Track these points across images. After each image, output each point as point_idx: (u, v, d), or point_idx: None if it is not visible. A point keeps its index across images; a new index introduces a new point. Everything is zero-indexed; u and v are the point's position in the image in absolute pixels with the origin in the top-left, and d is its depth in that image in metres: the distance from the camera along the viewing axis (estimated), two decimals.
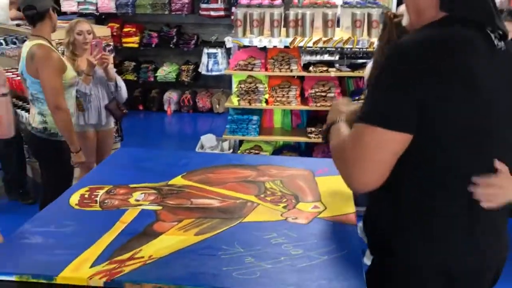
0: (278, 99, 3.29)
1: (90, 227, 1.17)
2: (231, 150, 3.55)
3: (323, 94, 3.30)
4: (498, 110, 0.97)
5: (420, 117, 0.93)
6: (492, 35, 0.95)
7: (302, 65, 3.29)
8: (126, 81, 5.76)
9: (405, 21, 1.20)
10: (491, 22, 0.96)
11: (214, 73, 5.36)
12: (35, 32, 2.45)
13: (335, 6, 3.48)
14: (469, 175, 0.96)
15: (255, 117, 3.32)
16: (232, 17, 4.21)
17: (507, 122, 0.99)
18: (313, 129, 3.28)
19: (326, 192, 1.40)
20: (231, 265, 1.02)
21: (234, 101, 3.28)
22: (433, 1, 0.95)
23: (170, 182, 1.45)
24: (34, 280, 0.97)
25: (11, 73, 3.45)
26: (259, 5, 3.42)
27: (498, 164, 0.97)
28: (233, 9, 4.15)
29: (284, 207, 1.29)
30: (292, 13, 3.17)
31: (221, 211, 1.27)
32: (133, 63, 5.70)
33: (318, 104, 3.27)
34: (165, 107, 5.83)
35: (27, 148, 3.30)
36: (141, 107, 5.93)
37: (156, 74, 5.59)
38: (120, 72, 5.52)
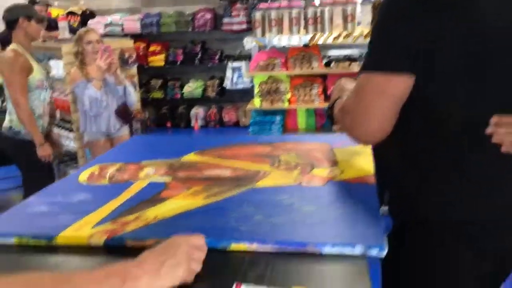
0: (301, 98, 3.25)
1: (97, 197, 1.13)
2: None
3: None
4: (502, 43, 0.90)
5: (417, 55, 0.91)
6: None
7: (323, 62, 3.25)
8: (153, 100, 5.86)
9: None
10: None
11: (239, 87, 5.37)
12: (13, 39, 2.77)
13: (354, 2, 3.45)
14: (480, 119, 0.89)
15: (278, 118, 3.28)
16: None
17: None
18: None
19: (344, 159, 1.32)
20: (239, 221, 0.95)
21: (256, 102, 3.25)
22: None
23: (182, 159, 1.40)
24: (34, 243, 0.93)
25: None
26: (278, 8, 3.41)
27: None
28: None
29: (299, 173, 1.23)
30: (310, 10, 3.16)
31: (232, 179, 1.21)
32: (160, 81, 5.79)
33: None
34: (192, 123, 5.86)
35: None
36: (169, 124, 5.99)
37: (183, 91, 5.66)
38: (147, 91, 5.61)
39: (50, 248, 0.92)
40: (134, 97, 3.09)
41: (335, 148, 1.43)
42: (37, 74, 2.79)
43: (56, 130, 3.85)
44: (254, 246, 0.87)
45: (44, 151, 2.76)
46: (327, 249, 0.84)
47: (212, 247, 0.85)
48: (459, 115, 0.93)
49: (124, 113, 3.08)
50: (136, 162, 1.38)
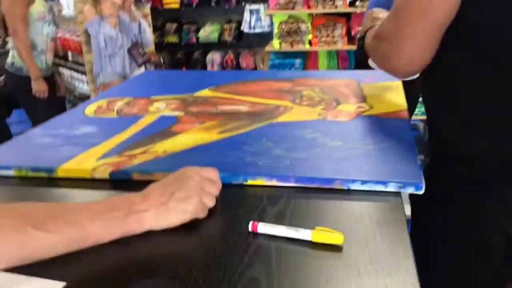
0: (323, 39, 3.08)
1: (103, 129, 1.04)
2: None
3: None
4: None
5: None
6: None
7: (348, 0, 3.05)
8: (168, 44, 5.67)
9: None
10: None
11: (257, 31, 5.15)
12: None
13: None
14: None
15: (298, 61, 3.13)
16: None
17: None
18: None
19: (374, 94, 1.20)
20: (257, 156, 0.86)
21: (275, 44, 3.10)
22: None
23: (196, 94, 1.30)
24: (34, 175, 0.86)
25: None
26: None
27: None
28: None
29: (323, 108, 1.12)
30: None
31: (250, 114, 1.11)
32: (175, 25, 5.58)
33: None
34: (208, 68, 5.70)
35: None
36: (184, 69, 5.85)
37: (198, 35, 5.45)
38: (162, 35, 5.43)
39: (52, 180, 0.85)
40: (149, 35, 2.96)
41: (363, 84, 1.31)
42: (38, 6, 2.75)
43: (68, 73, 3.78)
44: (273, 182, 0.77)
45: (38, 86, 2.77)
46: (356, 187, 0.75)
47: (226, 183, 0.76)
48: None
49: (136, 54, 2.97)
50: (146, 97, 1.28)
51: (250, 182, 0.78)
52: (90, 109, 1.20)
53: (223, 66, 5.52)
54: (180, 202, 0.66)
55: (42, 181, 0.85)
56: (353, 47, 3.06)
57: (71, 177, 0.84)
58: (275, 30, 3.03)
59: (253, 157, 0.85)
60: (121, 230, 0.63)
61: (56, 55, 3.00)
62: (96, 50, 3.01)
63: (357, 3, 2.99)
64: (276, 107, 1.15)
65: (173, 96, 1.28)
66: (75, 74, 3.71)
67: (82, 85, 3.69)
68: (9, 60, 2.86)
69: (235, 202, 0.74)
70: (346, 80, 1.36)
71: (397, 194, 0.73)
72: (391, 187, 0.74)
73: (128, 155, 0.89)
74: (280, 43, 3.02)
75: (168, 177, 0.70)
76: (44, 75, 2.92)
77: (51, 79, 3.05)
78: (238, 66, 5.46)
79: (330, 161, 0.82)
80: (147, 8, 3.67)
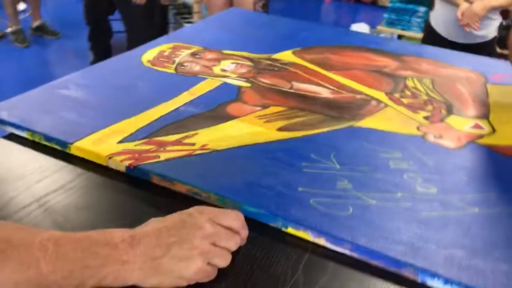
0: None
1: (149, 92, 0.87)
2: None
3: None
4: None
5: None
6: None
7: None
8: None
9: None
10: None
11: None
12: None
13: None
14: None
15: (422, 9, 2.68)
16: None
17: None
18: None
19: (501, 106, 0.90)
20: (313, 185, 0.64)
21: None
22: None
23: (274, 56, 1.07)
24: (47, 143, 0.72)
25: None
26: None
27: None
28: None
29: (426, 117, 0.84)
30: None
31: (329, 105, 0.87)
32: None
33: None
34: None
35: None
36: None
37: None
38: None
39: (67, 156, 0.70)
40: None
41: (490, 84, 0.99)
42: None
43: None
44: (321, 241, 0.56)
45: None
46: (435, 284, 0.51)
47: (259, 220, 0.57)
48: None
49: None
50: (218, 49, 1.08)
51: (290, 230, 0.58)
52: (149, 54, 1.03)
53: None
54: (177, 263, 0.48)
55: (57, 153, 0.71)
56: None
57: (86, 157, 0.69)
58: None
59: (309, 186, 0.64)
60: (94, 283, 0.47)
61: None
62: None
63: None
64: (365, 100, 0.89)
65: (248, 54, 1.06)
66: None
67: None
68: None
69: (265, 254, 0.55)
70: (470, 72, 1.05)
71: None
72: None
73: (158, 141, 0.72)
74: None
75: (172, 218, 0.51)
76: None
77: None
78: None
79: (408, 221, 0.58)
80: None
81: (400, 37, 2.80)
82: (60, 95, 0.83)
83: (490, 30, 2.21)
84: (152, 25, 2.95)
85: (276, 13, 4.23)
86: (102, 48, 3.53)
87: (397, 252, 0.53)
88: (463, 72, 1.05)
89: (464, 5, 2.16)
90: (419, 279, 0.52)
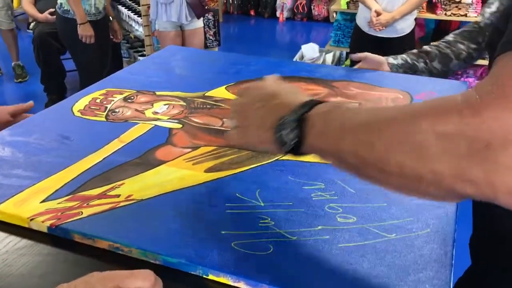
0: None
1: (78, 144, 0.87)
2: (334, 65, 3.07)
3: None
4: None
5: None
6: None
7: None
8: None
9: None
10: None
11: None
12: None
13: None
14: None
15: None
16: None
17: None
18: None
19: None
20: (236, 226, 0.65)
21: (343, 3, 2.75)
22: None
23: (208, 93, 1.08)
24: None
25: None
26: None
27: None
28: None
29: None
30: None
31: None
32: None
33: (448, 13, 2.63)
34: (277, 14, 5.38)
35: None
36: (252, 13, 5.57)
37: None
38: None
39: None
40: None
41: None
42: None
43: (125, 11, 3.64)
44: (240, 284, 0.57)
45: (84, 30, 2.66)
46: None
47: (182, 270, 0.58)
48: None
49: (195, 5, 2.73)
50: (151, 91, 1.09)
51: (211, 277, 0.58)
52: (81, 103, 1.03)
53: (293, 12, 5.16)
54: None
55: None
56: (433, 16, 2.66)
57: (10, 222, 0.69)
58: None
59: (232, 227, 0.65)
60: None
61: None
62: None
63: None
64: None
65: (181, 94, 1.07)
66: (132, 15, 3.55)
67: (138, 27, 3.54)
68: (58, 1, 2.77)
69: None
70: (396, 93, 1.09)
71: None
72: None
73: (82, 196, 0.71)
74: (347, 3, 2.67)
75: (76, 285, 0.50)
76: (93, 19, 2.79)
77: (102, 23, 2.91)
78: (309, 13, 5.07)
79: (327, 252, 0.60)
80: None
81: (348, 54, 2.88)
82: None
83: (406, 24, 2.60)
84: (104, 62, 2.96)
85: (230, 38, 4.28)
86: (56, 89, 3.50)
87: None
88: (390, 93, 1.09)
89: (373, 13, 2.55)
90: None
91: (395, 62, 1.21)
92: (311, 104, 0.54)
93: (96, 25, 2.78)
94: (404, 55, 1.22)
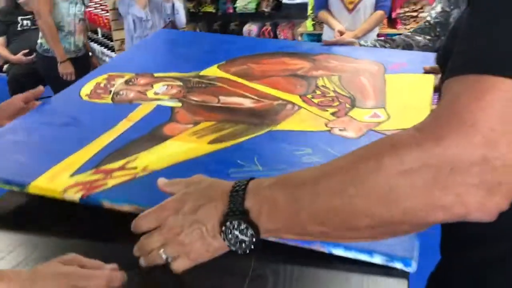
0: None
1: (92, 123, 0.97)
2: None
3: (414, 14, 2.80)
4: None
5: None
6: None
7: None
8: (205, 14, 5.28)
9: None
10: None
11: (296, 1, 4.63)
12: None
13: None
14: None
15: None
16: None
17: None
18: None
19: (396, 95, 1.06)
20: None
21: (308, 25, 2.88)
22: None
23: (201, 73, 1.19)
24: (7, 187, 0.81)
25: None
26: None
27: None
28: None
29: (333, 113, 0.99)
30: None
31: (252, 114, 1.00)
32: None
33: (408, 27, 2.78)
34: None
35: None
36: (204, 33, 5.45)
37: (236, 5, 5.01)
38: (198, 4, 5.11)
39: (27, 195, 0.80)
40: (183, 16, 2.82)
41: (388, 74, 1.15)
42: None
43: (98, 48, 3.67)
44: None
45: (64, 68, 2.75)
46: (339, 252, 0.66)
47: None
48: None
49: None
50: (149, 73, 1.19)
51: None
52: (87, 88, 1.13)
53: (260, 37, 5.09)
54: None
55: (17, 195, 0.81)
56: (393, 30, 2.81)
57: (44, 195, 0.80)
58: (310, 11, 2.80)
59: None
60: None
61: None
62: (127, 31, 2.91)
63: None
64: (282, 105, 1.03)
65: (177, 75, 1.17)
66: (105, 50, 3.61)
67: None
68: (38, 41, 2.85)
69: None
70: (372, 64, 1.21)
71: (404, 273, 0.64)
72: (377, 259, 0.64)
73: (105, 170, 0.83)
74: (313, 25, 2.78)
75: (38, 269, 0.55)
76: (74, 56, 2.85)
77: (83, 59, 2.97)
78: (275, 38, 5.02)
79: None
80: None
81: None
82: (10, 141, 0.92)
83: (368, 38, 2.65)
84: None
85: None
86: None
87: None
88: (368, 64, 1.21)
89: (336, 33, 2.66)
90: (326, 250, 0.66)
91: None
92: (240, 191, 0.55)
93: (76, 61, 2.86)
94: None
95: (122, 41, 3.18)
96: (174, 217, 0.59)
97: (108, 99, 1.08)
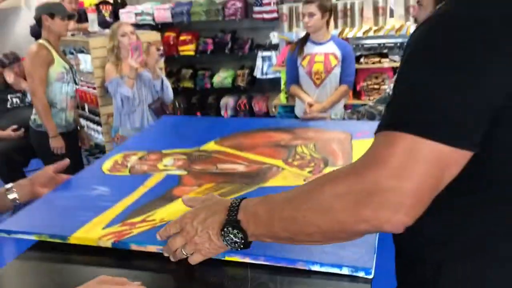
0: None
1: (115, 190, 1.20)
2: None
3: (376, 86, 3.17)
4: None
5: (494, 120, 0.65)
6: None
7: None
8: (184, 89, 5.66)
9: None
10: None
11: (269, 76, 5.11)
12: (42, 34, 2.80)
13: None
14: None
15: None
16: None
17: None
18: None
19: (360, 154, 1.30)
20: None
21: (282, 98, 3.23)
22: None
23: (202, 148, 1.44)
24: (51, 240, 1.02)
25: None
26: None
27: None
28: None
29: (310, 171, 1.23)
30: (340, 3, 3.00)
31: (244, 176, 1.24)
32: (190, 71, 5.60)
33: (371, 98, 3.12)
34: (222, 113, 5.58)
35: None
36: (198, 114, 5.70)
37: (213, 81, 5.44)
38: (178, 80, 5.48)
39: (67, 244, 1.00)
40: (171, 93, 3.06)
41: (354, 140, 1.41)
42: (58, 67, 2.89)
43: (84, 123, 3.88)
44: (246, 259, 0.90)
45: (56, 143, 2.87)
46: (316, 268, 0.86)
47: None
48: None
49: (157, 110, 3.05)
50: (158, 150, 1.43)
51: (227, 258, 0.91)
52: (107, 164, 1.36)
53: (236, 110, 5.43)
54: None
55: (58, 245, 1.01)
56: (359, 101, 3.16)
57: (81, 244, 1.00)
58: (283, 86, 3.17)
59: None
60: None
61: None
62: (116, 108, 3.12)
63: (362, 59, 3.06)
64: (269, 167, 1.27)
65: (181, 151, 1.42)
66: (91, 125, 3.86)
67: (97, 135, 3.84)
68: (32, 117, 3.01)
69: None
70: (341, 134, 1.47)
71: (367, 280, 0.83)
72: (345, 271, 0.84)
73: (130, 223, 1.04)
74: (287, 98, 3.14)
75: None
76: (65, 131, 3.02)
77: (73, 134, 3.13)
78: (251, 110, 5.38)
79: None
80: (161, 62, 3.77)
81: None
82: (53, 206, 1.14)
83: (337, 109, 2.93)
84: (77, 169, 3.09)
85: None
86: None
87: (292, 254, 0.88)
88: (337, 134, 1.47)
89: (306, 105, 2.87)
90: (306, 267, 0.86)
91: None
92: (236, 209, 0.78)
93: (68, 136, 3.02)
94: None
95: (109, 115, 3.35)
96: (190, 224, 0.83)
97: (126, 172, 1.31)
